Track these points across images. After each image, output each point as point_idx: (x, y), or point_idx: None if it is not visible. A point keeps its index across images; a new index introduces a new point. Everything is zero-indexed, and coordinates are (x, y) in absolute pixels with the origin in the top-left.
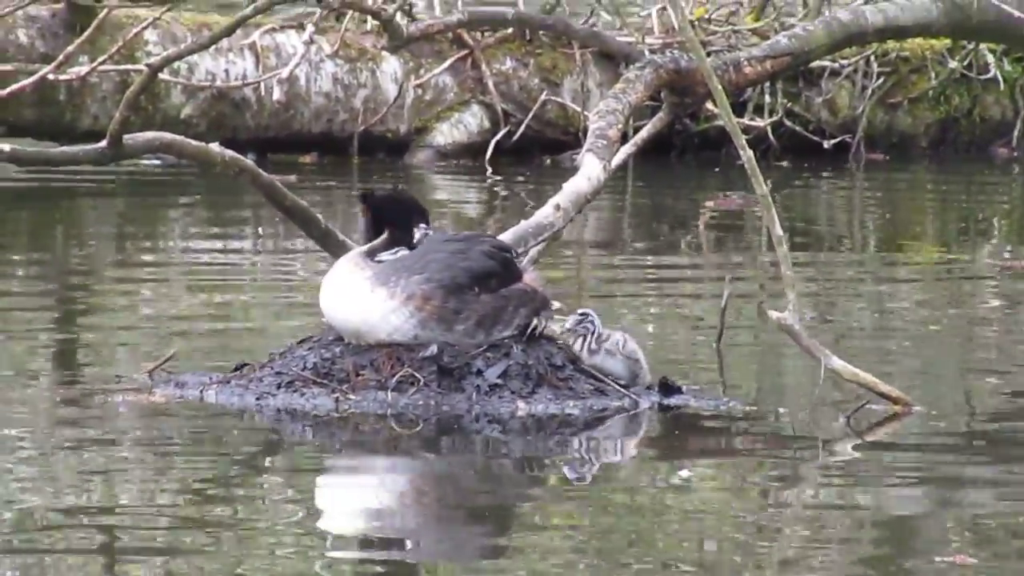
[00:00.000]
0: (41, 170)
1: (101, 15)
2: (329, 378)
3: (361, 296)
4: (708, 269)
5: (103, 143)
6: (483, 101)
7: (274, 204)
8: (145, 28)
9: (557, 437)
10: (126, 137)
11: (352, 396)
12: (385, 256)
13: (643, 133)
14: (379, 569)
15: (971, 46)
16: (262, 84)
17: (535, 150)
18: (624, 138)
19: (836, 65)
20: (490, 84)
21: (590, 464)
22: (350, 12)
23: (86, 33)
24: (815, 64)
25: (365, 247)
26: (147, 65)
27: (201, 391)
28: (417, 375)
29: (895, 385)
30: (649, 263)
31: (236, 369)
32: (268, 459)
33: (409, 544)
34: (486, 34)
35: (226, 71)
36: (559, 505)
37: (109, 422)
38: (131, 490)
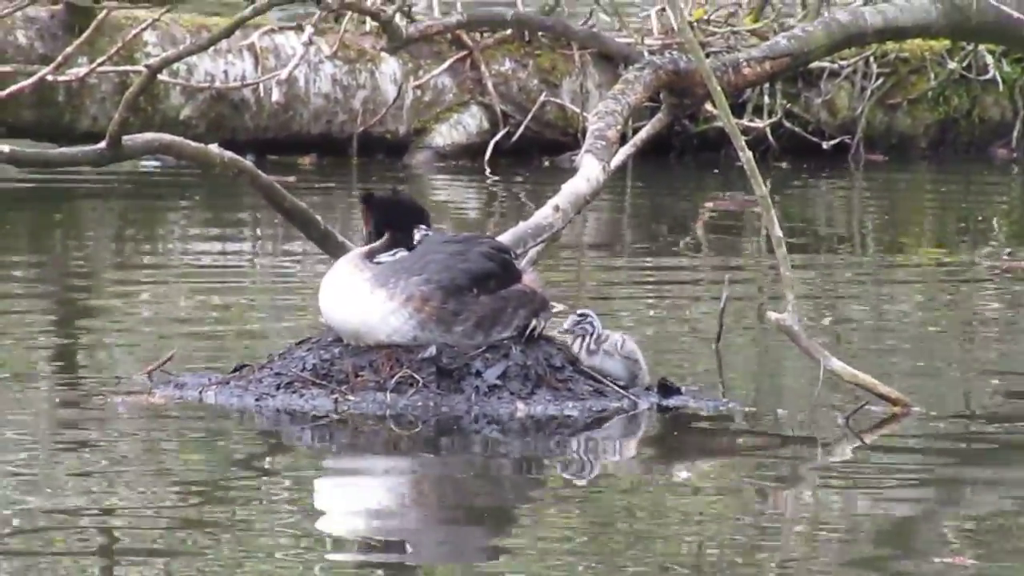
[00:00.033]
0: (40, 171)
1: (100, 16)
2: (328, 379)
3: (361, 298)
4: (707, 270)
5: (102, 144)
6: (482, 102)
7: (273, 205)
8: (144, 29)
9: (556, 438)
10: (125, 138)
11: (351, 397)
12: (384, 257)
13: (642, 134)
14: (379, 571)
15: (970, 47)
16: (261, 85)
17: (534, 151)
18: (623, 139)
19: (835, 66)
20: (489, 85)
21: (589, 465)
22: (349, 13)
23: (85, 34)
24: (814, 65)
25: (364, 248)
26: (146, 66)
27: (200, 392)
28: (416, 376)
29: (894, 386)
30: (648, 264)
31: (235, 370)
32: (267, 460)
33: (408, 546)
34: (485, 35)
35: (225, 72)
36: (558, 506)
37: (108, 423)
38: (130, 491)
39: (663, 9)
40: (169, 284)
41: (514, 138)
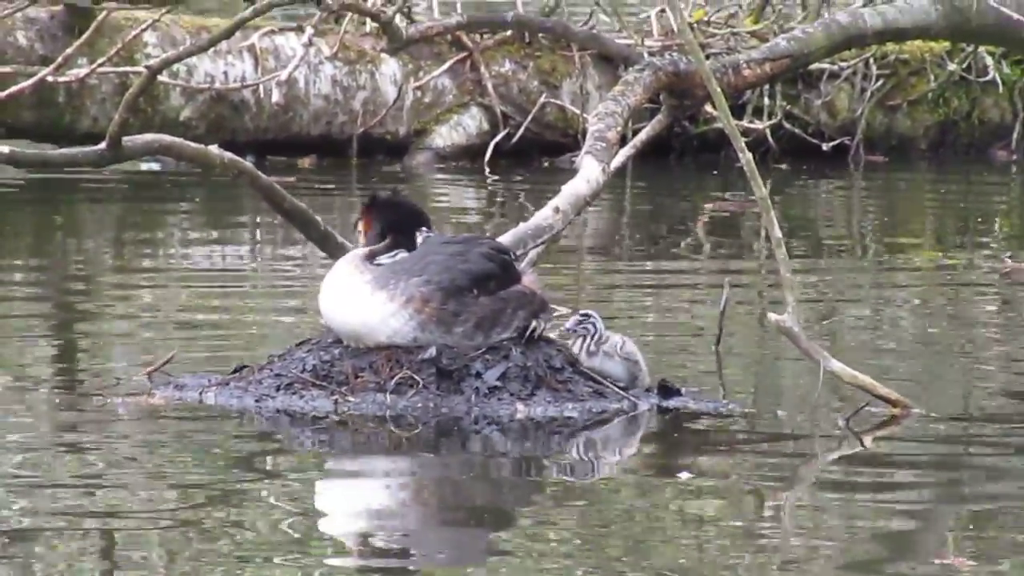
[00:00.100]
0: (40, 172)
1: (100, 17)
2: (328, 380)
3: (361, 299)
4: (707, 271)
5: (102, 145)
6: (482, 103)
7: (273, 206)
8: (144, 30)
9: (556, 439)
10: (125, 139)
11: (351, 398)
12: (384, 259)
13: (642, 135)
14: (378, 575)
15: (970, 49)
16: (261, 86)
17: (534, 152)
18: (623, 140)
19: (835, 67)
20: (489, 86)
21: (589, 466)
22: (349, 14)
23: (85, 35)
24: (814, 66)
25: (364, 249)
26: (146, 67)
27: (200, 393)
28: (416, 377)
29: (894, 387)
30: (648, 265)
31: (235, 371)
32: (267, 461)
33: (408, 547)
34: (485, 36)
35: (225, 73)
36: (558, 508)
37: (108, 424)
38: (130, 492)
39: (663, 10)
40: (169, 285)
41: (514, 139)
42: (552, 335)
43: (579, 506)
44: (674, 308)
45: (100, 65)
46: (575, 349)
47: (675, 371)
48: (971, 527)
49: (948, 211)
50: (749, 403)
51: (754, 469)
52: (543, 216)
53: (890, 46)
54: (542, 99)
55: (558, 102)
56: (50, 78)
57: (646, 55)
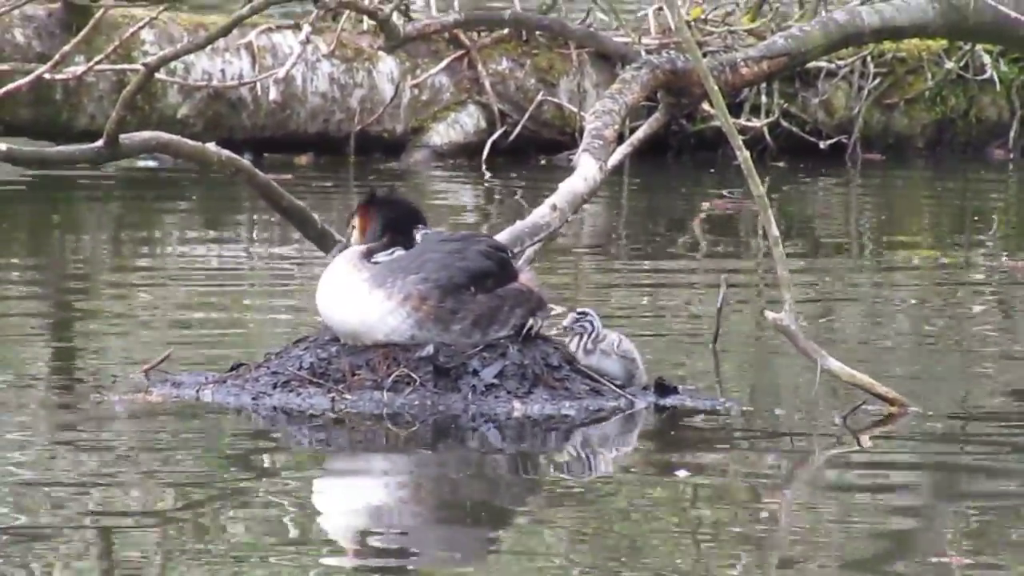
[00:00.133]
0: (37, 170)
1: (97, 15)
2: (325, 378)
3: (359, 298)
4: (704, 269)
5: (99, 143)
6: (479, 101)
7: (270, 204)
8: (141, 28)
9: (553, 437)
10: (122, 137)
11: (348, 396)
12: (382, 257)
13: (639, 134)
14: (375, 573)
15: (967, 47)
16: (258, 84)
17: (531, 150)
18: (620, 138)
19: (832, 66)
20: (486, 84)
21: (586, 464)
22: (346, 12)
23: (82, 32)
24: (811, 65)
25: (362, 247)
26: (144, 65)
27: (197, 391)
28: (413, 375)
29: (891, 386)
30: (645, 263)
31: (232, 369)
32: (264, 459)
33: (405, 546)
34: (482, 34)
35: (222, 71)
36: (555, 505)
37: (105, 422)
38: (126, 490)
39: (660, 8)
40: (166, 283)
41: (511, 137)
42: (550, 333)
43: (576, 504)
44: (671, 306)
45: (97, 63)
46: (572, 347)
47: (672, 369)
48: (969, 526)
49: (945, 209)
50: (746, 401)
51: (751, 467)
52: (540, 214)
53: (887, 44)
54: (539, 97)
55: (555, 100)
56: (47, 75)
57: (643, 53)
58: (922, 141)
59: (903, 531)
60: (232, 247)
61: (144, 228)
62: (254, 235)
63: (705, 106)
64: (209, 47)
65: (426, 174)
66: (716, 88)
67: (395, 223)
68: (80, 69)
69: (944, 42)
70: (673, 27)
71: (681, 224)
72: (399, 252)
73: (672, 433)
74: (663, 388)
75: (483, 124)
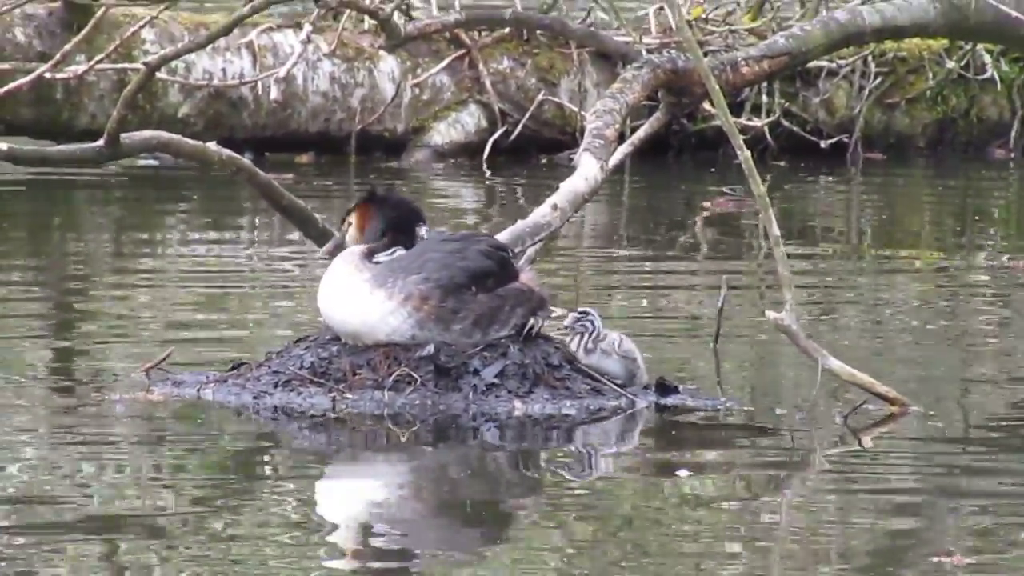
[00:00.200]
0: (38, 169)
1: (98, 14)
2: (326, 377)
3: (360, 298)
4: (705, 269)
5: (100, 142)
6: (480, 101)
7: (271, 203)
8: (142, 27)
9: (554, 437)
10: (123, 136)
11: (349, 395)
12: (382, 257)
13: (640, 133)
14: (375, 572)
15: (968, 46)
16: (259, 83)
17: (532, 150)
18: (621, 138)
19: (833, 65)
20: (487, 84)
21: (587, 464)
22: (347, 11)
23: (83, 32)
24: (812, 64)
25: (363, 247)
26: (144, 64)
27: (198, 390)
28: (414, 374)
29: (892, 385)
30: (646, 263)
31: (233, 368)
32: (264, 458)
33: (405, 545)
34: (483, 34)
35: (223, 70)
36: (556, 505)
37: (106, 420)
38: (126, 489)
39: (661, 8)
40: (167, 282)
41: (512, 137)
42: (553, 333)
43: (577, 504)
44: (672, 306)
45: (98, 62)
46: (573, 347)
47: (673, 369)
48: (969, 525)
49: (946, 209)
50: (747, 401)
51: (752, 467)
52: (541, 213)
53: (888, 44)
54: (540, 96)
55: (556, 99)
56: (48, 75)
57: (644, 52)
58: (923, 140)
59: (903, 531)
60: (233, 246)
61: (145, 227)
62: (255, 234)
63: (706, 105)
64: (210, 46)
65: (427, 174)
66: (717, 87)
67: (396, 223)
68: (81, 68)
69: (945, 41)
70: (674, 26)
71: (682, 223)
72: (400, 252)
73: (673, 433)
74: (664, 388)
75: (484, 123)
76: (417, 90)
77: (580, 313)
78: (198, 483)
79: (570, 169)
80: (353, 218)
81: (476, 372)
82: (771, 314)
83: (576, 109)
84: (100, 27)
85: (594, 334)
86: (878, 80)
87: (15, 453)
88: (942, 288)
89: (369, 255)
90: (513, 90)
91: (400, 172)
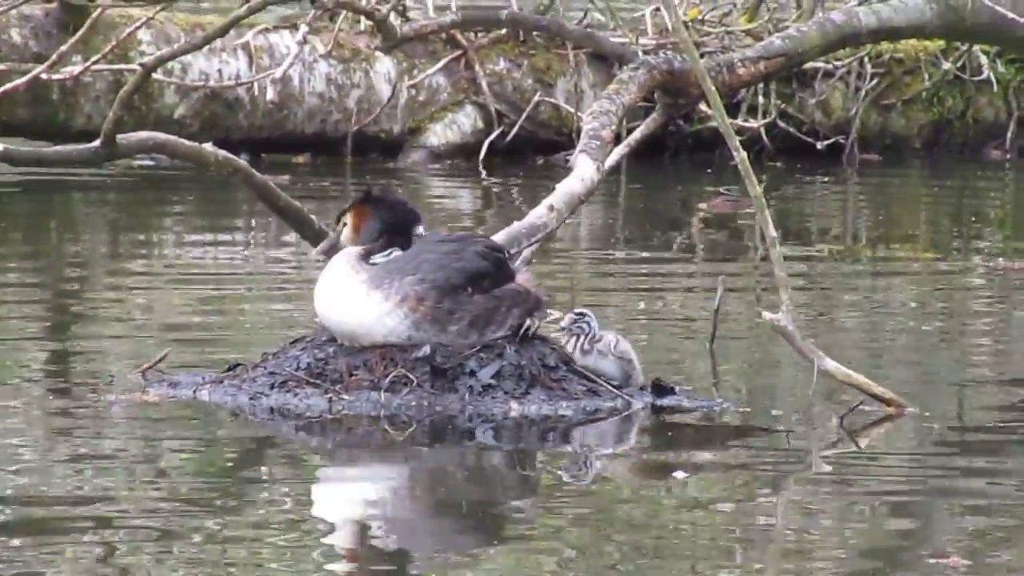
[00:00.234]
0: (35, 170)
1: (94, 15)
2: (322, 378)
3: (357, 300)
4: (701, 270)
5: (96, 143)
6: (477, 102)
7: (267, 204)
8: (139, 28)
9: (550, 438)
10: (119, 137)
11: (345, 396)
12: (379, 258)
13: (636, 134)
14: (372, 570)
15: (965, 48)
16: (255, 84)
17: (528, 151)
18: (617, 139)
19: (830, 66)
20: (484, 85)
21: (583, 464)
22: (344, 12)
23: (79, 32)
24: (809, 65)
25: (360, 248)
26: (140, 65)
27: (194, 391)
28: (410, 375)
29: (888, 386)
30: (642, 264)
31: (229, 369)
32: (261, 459)
33: (401, 547)
34: (480, 35)
35: (219, 71)
36: (552, 507)
37: (102, 422)
38: (122, 490)
39: (657, 9)
40: (163, 282)
41: (508, 138)
42: (549, 330)
43: (573, 505)
44: (668, 307)
45: (94, 63)
46: (569, 348)
47: (669, 370)
48: (966, 526)
49: (942, 210)
50: (743, 402)
51: (748, 468)
52: (537, 214)
53: (885, 45)
54: (536, 97)
55: (552, 100)
56: (44, 75)
57: (641, 53)
58: (919, 142)
59: (900, 532)
60: (229, 247)
61: (141, 228)
62: (251, 235)
63: (702, 107)
64: (206, 47)
65: (423, 175)
66: (713, 89)
67: (393, 224)
68: (77, 69)
69: (941, 43)
70: (670, 27)
71: (678, 224)
72: (396, 253)
73: (669, 434)
74: (660, 389)
75: (480, 124)
76: (413, 91)
77: (577, 314)
78: (194, 484)
79: (566, 170)
80: (349, 218)
81: (472, 373)
82: (767, 315)
83: (572, 110)
84: (96, 28)
85: (590, 335)
86: (874, 81)
87: (11, 454)
88: (938, 289)
89: (366, 256)
90: (509, 91)
91: (396, 173)
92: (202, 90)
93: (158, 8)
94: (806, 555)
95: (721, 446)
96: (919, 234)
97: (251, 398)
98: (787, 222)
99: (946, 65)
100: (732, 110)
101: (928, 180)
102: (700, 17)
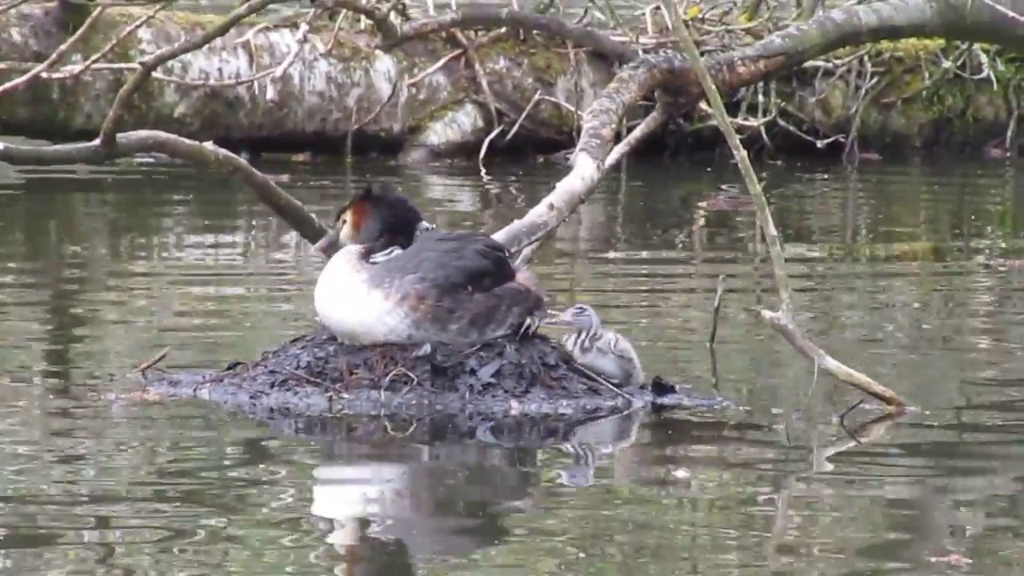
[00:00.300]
0: (35, 168)
1: (94, 13)
2: (322, 377)
3: (357, 299)
4: (701, 269)
5: (97, 141)
6: (477, 100)
7: (268, 203)
8: (139, 26)
9: (550, 436)
10: (119, 136)
11: (345, 395)
12: (379, 257)
13: (637, 133)
14: (372, 569)
15: (965, 46)
16: (255, 83)
17: (529, 149)
18: (618, 138)
19: (830, 65)
20: (484, 83)
21: (583, 463)
22: (344, 11)
23: (79, 31)
24: (809, 64)
25: (360, 247)
26: (140, 63)
27: (194, 390)
28: (410, 374)
29: (888, 385)
30: (643, 263)
31: (229, 368)
32: (260, 458)
33: (401, 546)
34: (480, 33)
35: (219, 70)
36: (552, 505)
37: (102, 421)
38: (122, 489)
39: (658, 7)
40: (163, 281)
41: (508, 136)
42: (552, 321)
43: (573, 504)
44: (668, 305)
45: (94, 61)
46: (568, 345)
47: (669, 368)
48: (967, 525)
49: (942, 208)
50: (744, 400)
51: (748, 466)
52: (537, 213)
53: (885, 44)
54: (537, 96)
55: (553, 99)
56: (44, 74)
57: (641, 52)
58: (919, 140)
59: (901, 530)
60: (229, 246)
61: (141, 227)
62: (251, 234)
63: (702, 105)
64: (206, 46)
65: (423, 173)
66: (713, 87)
67: (393, 223)
68: (77, 68)
69: (941, 41)
70: (670, 26)
71: (678, 223)
72: (397, 252)
73: (669, 432)
74: (660, 387)
75: (480, 123)
76: (413, 90)
77: (578, 308)
78: (194, 483)
79: (566, 169)
80: (348, 215)
81: (473, 372)
82: (767, 313)
83: (572, 109)
84: (96, 27)
85: (592, 332)
86: (874, 80)
87: (11, 453)
88: (938, 288)
89: (366, 255)
90: (509, 90)
91: (396, 172)
92: (202, 89)
93: (158, 7)
94: (806, 553)
95: (721, 445)
96: (919, 232)
97: (251, 397)
98: (787, 221)
99: (946, 64)
100: (732, 109)
101: (928, 178)
102: (700, 16)
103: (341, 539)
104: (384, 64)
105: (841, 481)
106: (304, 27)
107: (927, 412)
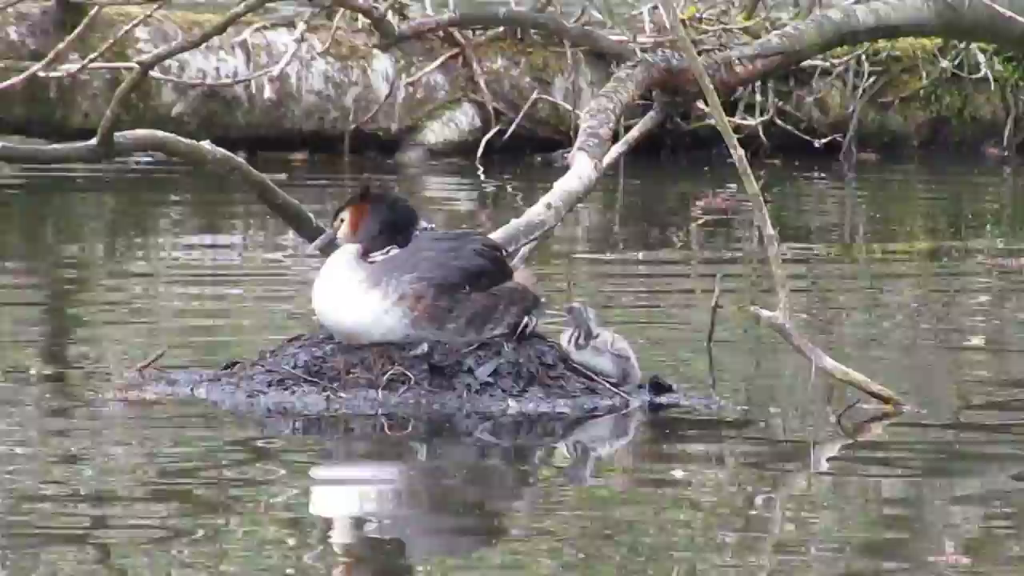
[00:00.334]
0: (32, 168)
1: (92, 12)
2: (320, 376)
3: (355, 299)
4: (699, 269)
5: (94, 141)
6: (474, 99)
7: (265, 202)
8: (136, 26)
9: (548, 435)
10: (117, 135)
11: (343, 394)
12: (377, 256)
13: (634, 132)
14: (370, 569)
15: (962, 46)
16: (253, 82)
17: (526, 149)
18: (615, 137)
19: (827, 64)
20: (481, 83)
21: (580, 463)
22: (341, 10)
23: (77, 30)
24: (806, 63)
25: (358, 246)
26: (138, 63)
27: (192, 389)
28: (408, 373)
29: (885, 384)
30: (640, 262)
31: (227, 367)
32: (258, 457)
33: (398, 545)
34: (477, 32)
35: (217, 69)
36: (550, 504)
37: (99, 420)
38: (120, 489)
39: (655, 7)
40: (161, 280)
41: (506, 136)
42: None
43: (571, 503)
44: (666, 304)
45: (92, 61)
46: (563, 341)
47: (667, 367)
48: (965, 525)
49: (940, 208)
50: (741, 400)
51: (746, 466)
52: (535, 212)
53: (882, 43)
54: (534, 95)
55: (550, 98)
56: (42, 73)
57: (638, 51)
58: (917, 140)
59: (899, 529)
60: (227, 245)
61: (138, 226)
62: (249, 233)
63: (700, 104)
64: (204, 45)
65: (421, 172)
66: (711, 86)
67: (391, 223)
68: (74, 67)
69: (939, 41)
70: (668, 25)
71: (676, 222)
72: (394, 251)
73: (667, 431)
74: (658, 386)
75: (478, 122)
76: (411, 89)
77: (576, 304)
78: (191, 482)
79: (564, 168)
80: (346, 215)
81: (470, 371)
82: (764, 313)
83: (570, 108)
84: (94, 26)
85: (586, 329)
86: (872, 79)
87: (8, 453)
88: (936, 287)
89: (364, 254)
90: (507, 89)
91: (394, 171)
92: (200, 88)
93: (156, 6)
94: (804, 553)
95: (719, 444)
96: (916, 232)
97: (249, 396)
98: (785, 220)
99: (944, 63)
100: (730, 108)
101: (926, 178)
102: (698, 15)
103: (338, 538)
104: (382, 63)
105: (838, 480)
106: (301, 26)
107: (924, 411)
